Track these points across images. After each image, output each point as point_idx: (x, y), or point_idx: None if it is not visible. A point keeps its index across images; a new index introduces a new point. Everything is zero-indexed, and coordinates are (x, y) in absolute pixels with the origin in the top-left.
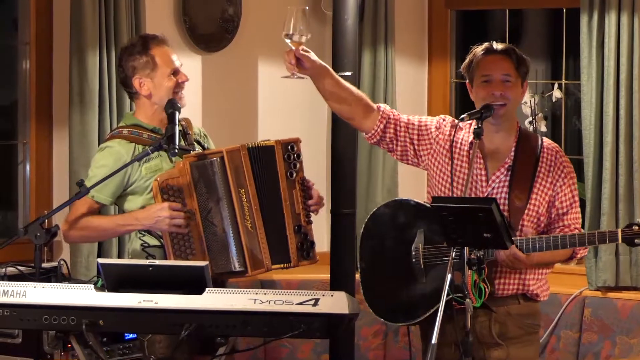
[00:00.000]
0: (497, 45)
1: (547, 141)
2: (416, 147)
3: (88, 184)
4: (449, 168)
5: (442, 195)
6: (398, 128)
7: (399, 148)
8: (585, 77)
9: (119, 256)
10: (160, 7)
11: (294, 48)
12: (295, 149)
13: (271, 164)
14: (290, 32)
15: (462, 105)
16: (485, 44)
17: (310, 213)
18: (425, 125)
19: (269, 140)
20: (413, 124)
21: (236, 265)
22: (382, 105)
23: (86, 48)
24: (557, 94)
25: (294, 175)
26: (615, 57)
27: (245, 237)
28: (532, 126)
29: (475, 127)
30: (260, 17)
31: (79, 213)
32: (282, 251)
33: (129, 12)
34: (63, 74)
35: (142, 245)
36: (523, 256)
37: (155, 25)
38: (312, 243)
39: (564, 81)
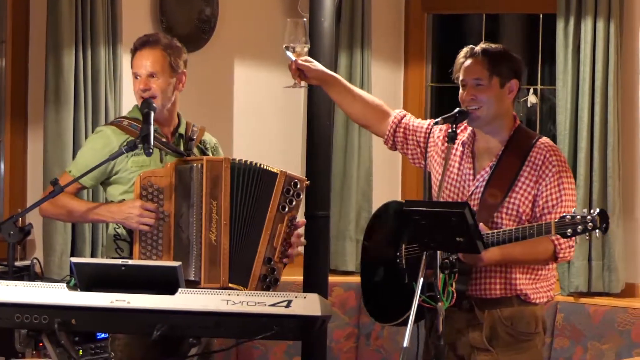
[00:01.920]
0: (478, 47)
1: (542, 140)
2: (422, 149)
3: (73, 165)
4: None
5: (439, 196)
6: (407, 132)
7: (409, 151)
8: (561, 83)
9: (92, 255)
10: (137, 7)
11: (294, 59)
12: (298, 186)
13: (267, 189)
14: (290, 43)
15: (438, 109)
16: (467, 47)
17: (286, 253)
18: (432, 128)
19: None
20: (421, 127)
21: (191, 274)
22: (397, 111)
23: (62, 47)
24: (532, 99)
25: (286, 210)
26: (591, 63)
27: (206, 249)
28: None
29: (449, 131)
30: (237, 18)
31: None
32: (243, 274)
33: (106, 11)
34: (39, 73)
35: (114, 236)
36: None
37: (132, 24)
38: (277, 280)
39: (539, 86)
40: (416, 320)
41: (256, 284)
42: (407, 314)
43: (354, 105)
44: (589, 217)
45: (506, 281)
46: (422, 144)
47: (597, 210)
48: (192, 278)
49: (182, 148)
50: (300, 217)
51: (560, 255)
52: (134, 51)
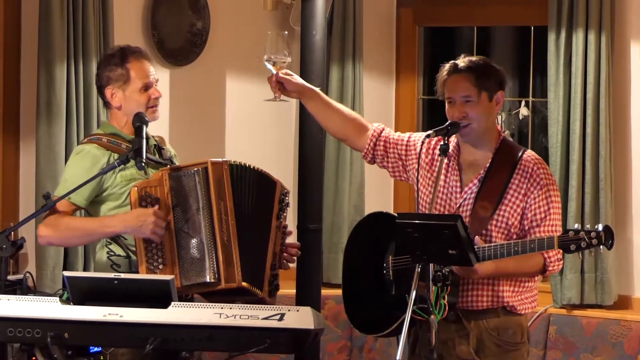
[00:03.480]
0: (461, 63)
1: (528, 153)
2: (404, 162)
3: (62, 186)
4: (430, 183)
5: (431, 209)
6: (387, 145)
7: (390, 165)
8: (552, 95)
9: (85, 269)
10: (128, 20)
11: (275, 72)
12: (287, 196)
13: (269, 195)
14: (271, 56)
15: (430, 122)
16: (450, 63)
17: (282, 260)
18: (414, 141)
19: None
20: (402, 140)
21: (210, 277)
22: (376, 124)
23: (54, 60)
24: (524, 111)
25: (281, 218)
26: (583, 75)
27: (221, 249)
28: None
29: (442, 143)
30: (229, 31)
31: (55, 214)
32: (258, 277)
33: (97, 24)
34: (31, 86)
35: (108, 253)
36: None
37: (124, 38)
38: (277, 286)
39: (531, 99)
40: (399, 332)
41: (267, 288)
42: (394, 326)
43: (332, 119)
44: (593, 232)
45: (493, 293)
46: (403, 157)
47: (601, 225)
48: (208, 280)
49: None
50: (289, 227)
51: (550, 268)
52: (136, 57)
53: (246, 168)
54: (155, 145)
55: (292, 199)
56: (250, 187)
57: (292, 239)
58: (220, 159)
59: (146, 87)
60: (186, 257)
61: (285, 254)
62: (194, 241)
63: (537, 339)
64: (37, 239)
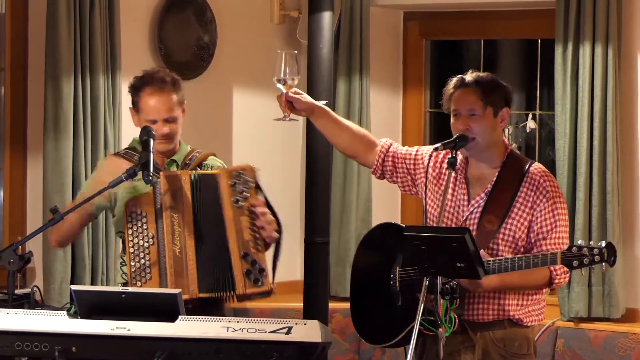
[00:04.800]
0: (469, 77)
1: (535, 165)
2: (413, 176)
3: (79, 192)
4: (438, 196)
5: (439, 222)
6: (396, 160)
7: (399, 179)
8: (560, 108)
9: (92, 283)
10: (135, 34)
11: (284, 91)
12: (242, 176)
13: (213, 191)
14: (281, 76)
15: (436, 135)
16: (457, 77)
17: (260, 240)
18: (422, 154)
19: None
20: (410, 154)
21: (163, 287)
22: (383, 140)
23: (61, 74)
24: (531, 124)
25: (240, 202)
26: (590, 88)
27: (171, 261)
28: None
29: (450, 157)
30: (235, 45)
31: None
32: (225, 280)
33: (104, 39)
34: (38, 100)
35: (122, 277)
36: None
37: (131, 52)
38: (262, 270)
39: (538, 112)
40: (406, 343)
41: (243, 282)
42: (400, 336)
43: (340, 136)
44: (596, 249)
45: (499, 307)
46: (412, 171)
47: (604, 242)
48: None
49: None
50: (296, 238)
51: (556, 281)
52: (150, 88)
53: (200, 175)
54: (174, 161)
55: (300, 212)
56: (204, 191)
57: (298, 251)
58: (178, 171)
59: (153, 122)
60: (161, 269)
61: (261, 233)
62: (159, 253)
63: (545, 352)
64: (44, 253)
